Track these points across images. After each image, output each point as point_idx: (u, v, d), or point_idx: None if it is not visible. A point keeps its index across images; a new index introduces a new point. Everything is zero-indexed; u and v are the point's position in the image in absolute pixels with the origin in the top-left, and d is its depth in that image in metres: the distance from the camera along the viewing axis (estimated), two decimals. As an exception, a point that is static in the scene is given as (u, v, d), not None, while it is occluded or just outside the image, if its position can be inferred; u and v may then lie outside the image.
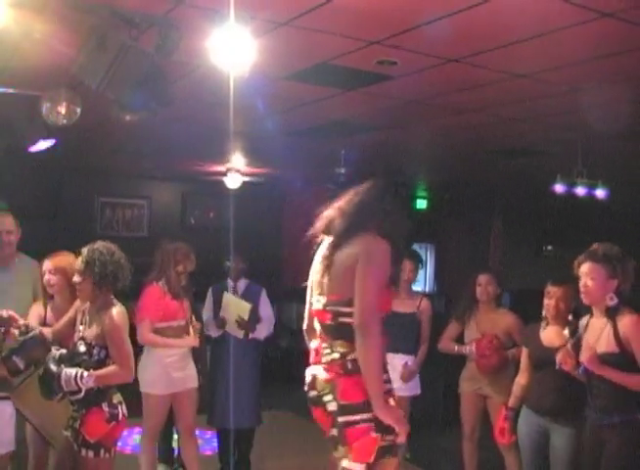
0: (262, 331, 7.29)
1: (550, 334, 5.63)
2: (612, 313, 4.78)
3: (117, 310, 4.91)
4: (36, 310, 5.68)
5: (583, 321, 5.10)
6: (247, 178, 12.92)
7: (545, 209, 15.21)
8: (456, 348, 6.82)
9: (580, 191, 9.76)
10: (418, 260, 7.37)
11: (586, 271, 4.85)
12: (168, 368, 6.41)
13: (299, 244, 7.11)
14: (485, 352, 6.54)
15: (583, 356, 4.80)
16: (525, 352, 5.85)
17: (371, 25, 5.00)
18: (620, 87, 6.43)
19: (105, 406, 4.84)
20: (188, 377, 6.55)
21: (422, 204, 16.11)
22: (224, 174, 12.51)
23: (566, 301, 5.67)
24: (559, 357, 5.04)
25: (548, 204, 12.19)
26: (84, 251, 4.98)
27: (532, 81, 6.34)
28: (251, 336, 7.20)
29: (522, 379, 5.83)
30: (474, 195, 15.34)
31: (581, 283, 4.88)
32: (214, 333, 7.43)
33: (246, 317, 7.12)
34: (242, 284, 7.53)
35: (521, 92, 6.78)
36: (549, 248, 18.54)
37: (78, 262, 4.98)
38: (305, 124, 8.48)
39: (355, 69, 6.11)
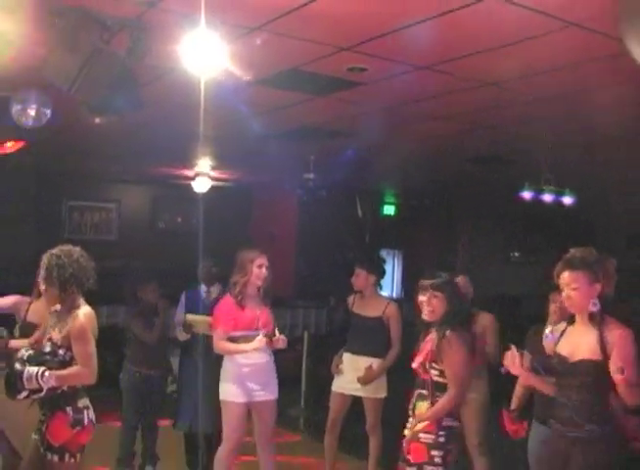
0: None
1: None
2: (597, 321, 4.55)
3: (83, 312, 4.89)
4: (38, 309, 5.68)
5: (560, 327, 4.93)
6: (215, 183, 12.91)
7: (513, 215, 15.33)
8: None
9: (547, 198, 9.87)
10: (373, 268, 7.32)
11: (567, 281, 4.61)
12: (245, 377, 6.37)
13: (268, 248, 7.18)
14: None
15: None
16: (528, 357, 5.69)
17: (341, 32, 5.05)
18: (586, 96, 6.51)
19: (69, 411, 4.80)
20: (267, 388, 6.48)
21: (389, 210, 16.18)
22: (193, 179, 12.50)
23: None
24: (505, 360, 4.88)
25: (516, 210, 12.30)
26: (43, 257, 4.96)
27: (501, 90, 6.41)
28: None
29: (522, 387, 5.78)
30: (442, 201, 15.42)
31: (564, 294, 4.64)
32: (181, 337, 7.42)
33: None
34: (215, 288, 7.50)
35: (489, 100, 6.84)
36: (516, 254, 18.65)
37: (41, 270, 4.97)
38: (275, 129, 8.50)
39: (326, 75, 6.15)
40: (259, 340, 6.17)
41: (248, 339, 6.30)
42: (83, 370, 4.81)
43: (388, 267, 7.90)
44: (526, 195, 9.83)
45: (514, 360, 4.81)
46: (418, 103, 7.08)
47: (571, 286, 4.57)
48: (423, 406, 5.20)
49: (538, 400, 5.26)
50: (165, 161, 11.65)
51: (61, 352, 4.84)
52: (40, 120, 6.03)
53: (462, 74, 6.01)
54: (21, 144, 6.55)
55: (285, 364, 6.74)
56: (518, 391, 5.84)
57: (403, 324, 7.22)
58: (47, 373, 4.68)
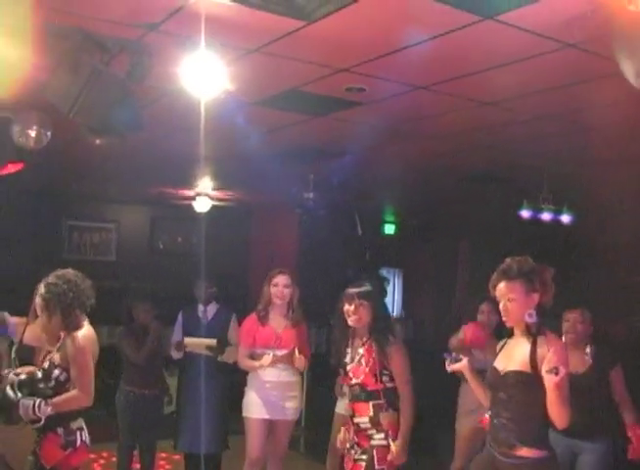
0: (231, 355, 7.24)
1: (572, 360, 5.51)
2: (532, 333, 4.41)
3: (83, 333, 4.90)
4: (35, 331, 5.64)
5: (501, 343, 4.80)
6: (216, 202, 12.94)
7: (512, 234, 15.34)
8: None
9: (546, 217, 9.88)
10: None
11: (504, 291, 4.47)
12: (265, 394, 6.40)
13: (267, 268, 7.20)
14: None
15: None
16: None
17: (339, 54, 5.08)
18: (583, 115, 6.54)
19: (60, 432, 4.79)
20: (287, 407, 6.50)
21: (390, 229, 16.20)
22: (193, 198, 12.53)
23: (584, 322, 5.84)
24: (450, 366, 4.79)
25: (515, 229, 12.31)
26: (41, 288, 4.93)
27: (499, 109, 6.44)
28: (219, 358, 7.19)
29: None
30: (441, 220, 15.43)
31: (501, 305, 4.49)
32: (175, 355, 7.49)
33: (214, 344, 7.22)
34: (212, 308, 7.56)
35: (487, 119, 6.89)
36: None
37: (38, 300, 4.94)
38: (275, 149, 8.52)
39: (324, 95, 6.18)
40: (266, 358, 6.25)
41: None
42: (80, 394, 4.80)
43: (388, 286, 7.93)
44: (525, 213, 9.85)
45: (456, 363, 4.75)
46: (416, 122, 7.11)
47: (508, 296, 4.44)
48: (389, 415, 5.35)
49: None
50: (165, 181, 11.67)
51: (56, 371, 4.83)
52: (41, 142, 6.05)
53: (459, 94, 6.04)
54: (21, 165, 6.56)
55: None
56: None
57: (404, 343, 7.23)
58: (43, 404, 4.67)
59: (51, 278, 4.96)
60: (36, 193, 12.94)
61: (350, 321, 5.44)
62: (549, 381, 4.06)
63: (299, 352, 6.42)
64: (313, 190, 10.54)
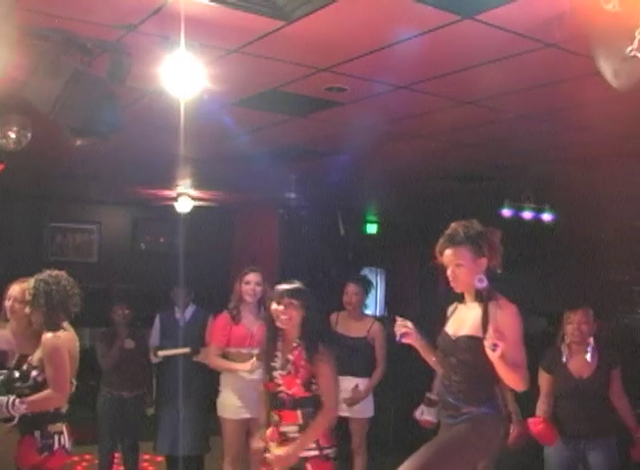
0: (207, 355, 7.14)
1: (577, 364, 5.68)
2: (483, 298, 4.29)
3: (60, 335, 4.88)
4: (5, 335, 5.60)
5: (452, 307, 4.67)
6: (197, 203, 12.91)
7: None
8: None
9: (527, 215, 9.93)
10: (364, 284, 7.38)
11: (451, 258, 4.34)
12: (240, 393, 6.38)
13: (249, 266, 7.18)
14: None
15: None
16: (547, 379, 5.85)
17: (319, 53, 5.09)
18: (565, 114, 6.57)
19: (37, 435, 4.76)
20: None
21: (372, 228, 16.19)
22: (175, 199, 12.50)
23: (587, 323, 5.70)
24: (397, 330, 4.54)
25: (498, 227, 12.35)
26: (31, 282, 4.94)
27: (480, 108, 6.46)
28: (195, 358, 7.19)
29: (544, 405, 5.82)
30: (424, 219, 15.45)
31: (448, 272, 4.36)
32: (154, 360, 7.52)
33: (188, 351, 7.28)
34: (189, 311, 7.54)
35: (469, 118, 6.90)
36: (498, 271, 18.67)
37: (27, 294, 4.95)
38: (256, 150, 8.51)
39: (305, 95, 6.19)
40: (251, 363, 6.19)
41: (240, 355, 6.35)
42: (54, 394, 4.78)
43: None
44: (507, 212, 9.89)
45: (406, 327, 4.51)
46: (397, 122, 7.12)
47: (455, 262, 4.32)
48: None
49: None
50: (147, 182, 11.63)
51: (34, 373, 4.82)
52: (21, 143, 6.03)
53: (440, 93, 6.05)
54: (1, 167, 6.53)
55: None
56: (541, 415, 5.83)
57: (388, 342, 7.24)
58: (17, 402, 4.65)
59: (44, 276, 4.97)
60: (18, 194, 12.88)
61: (279, 322, 5.01)
62: (491, 356, 4.01)
63: None
64: (295, 190, 10.55)
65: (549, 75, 5.48)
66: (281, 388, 4.98)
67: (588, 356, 5.67)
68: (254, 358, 6.21)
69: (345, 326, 7.18)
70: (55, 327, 4.90)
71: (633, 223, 15.38)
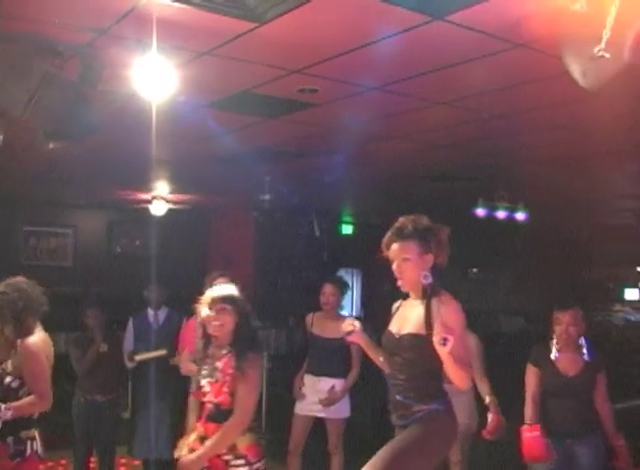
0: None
1: (565, 362, 5.60)
2: (427, 295, 4.18)
3: (35, 339, 4.85)
4: None
5: (396, 304, 4.55)
6: (172, 205, 12.89)
7: (470, 232, 15.47)
8: None
9: (501, 214, 9.99)
10: (340, 285, 7.38)
11: (397, 252, 4.22)
12: None
13: (225, 270, 7.17)
14: None
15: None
16: (534, 372, 5.74)
17: (291, 55, 5.10)
18: (538, 113, 6.61)
19: (10, 441, 4.72)
20: None
21: (347, 229, 16.22)
22: (149, 202, 12.47)
23: (575, 324, 5.58)
24: (345, 327, 4.42)
25: (473, 227, 12.41)
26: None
27: (453, 108, 6.49)
28: (171, 362, 7.15)
29: (530, 409, 5.69)
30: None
31: (394, 266, 4.24)
32: (129, 365, 7.46)
33: (164, 354, 7.19)
34: (162, 313, 7.50)
35: (443, 119, 6.93)
36: (474, 271, 18.78)
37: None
38: (229, 152, 8.51)
39: (277, 97, 6.20)
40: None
41: None
42: (37, 400, 4.76)
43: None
44: (480, 212, 9.95)
45: (352, 325, 4.40)
46: (371, 123, 7.14)
47: (402, 257, 4.20)
48: (247, 438, 4.66)
49: None
50: (121, 185, 11.61)
51: (8, 379, 4.78)
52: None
53: (414, 94, 6.07)
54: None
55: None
56: (529, 412, 5.70)
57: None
58: (3, 408, 4.63)
59: (1, 287, 4.92)
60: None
61: (211, 329, 4.70)
62: (440, 351, 3.92)
63: None
64: (269, 192, 10.55)
65: (520, 75, 5.51)
66: (208, 397, 4.68)
67: (579, 357, 5.60)
68: None
69: (321, 327, 7.19)
70: (28, 332, 4.87)
71: (607, 222, 15.54)
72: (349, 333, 4.42)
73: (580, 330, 5.63)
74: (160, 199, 12.28)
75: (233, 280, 6.54)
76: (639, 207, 13.57)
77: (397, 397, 4.25)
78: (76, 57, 4.39)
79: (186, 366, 6.49)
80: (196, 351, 6.38)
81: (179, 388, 7.37)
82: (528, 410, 5.69)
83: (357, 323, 4.44)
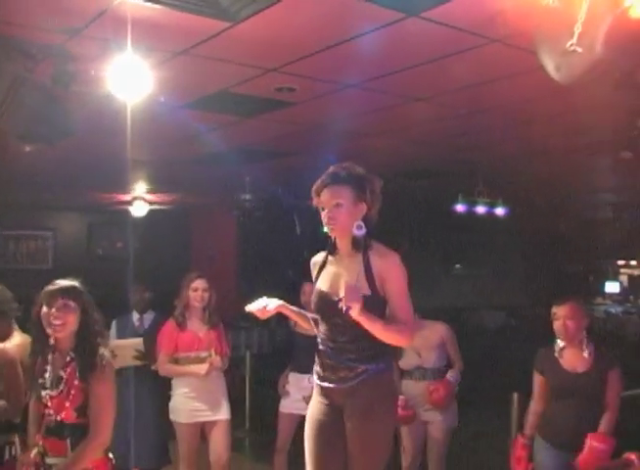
0: None
1: (570, 358, 5.12)
2: (361, 247, 3.87)
3: (12, 344, 4.82)
4: None
5: (317, 259, 4.25)
6: (153, 206, 12.86)
7: (452, 228, 15.52)
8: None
9: (480, 210, 10.01)
10: None
11: (329, 197, 3.90)
12: (186, 398, 6.32)
13: (208, 269, 7.15)
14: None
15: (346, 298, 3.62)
16: (540, 379, 5.28)
17: (266, 54, 5.09)
18: (516, 108, 6.63)
19: None
20: (214, 408, 6.40)
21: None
22: (130, 203, 12.44)
23: (574, 318, 5.08)
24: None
25: (455, 223, 12.45)
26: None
27: (430, 105, 6.50)
28: (153, 367, 6.73)
29: (537, 407, 5.29)
30: (380, 217, 15.50)
31: (324, 214, 3.92)
32: None
33: (142, 348, 6.82)
34: (148, 317, 7.27)
35: (419, 115, 6.93)
36: (457, 266, 18.82)
37: None
38: (208, 151, 8.50)
39: (255, 96, 6.19)
40: (209, 362, 6.19)
41: (189, 359, 6.32)
42: (7, 405, 4.72)
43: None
44: (460, 207, 9.97)
45: (264, 305, 4.08)
46: (349, 120, 7.15)
47: (335, 202, 3.86)
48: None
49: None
50: (100, 186, 11.57)
51: None
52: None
53: (390, 91, 6.08)
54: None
55: (228, 385, 6.65)
56: (532, 419, 5.35)
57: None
58: None
59: None
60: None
61: (51, 329, 4.00)
62: (355, 317, 3.62)
63: (218, 353, 6.39)
64: (250, 191, 10.54)
65: (496, 71, 5.52)
66: (49, 411, 4.02)
67: (585, 353, 5.08)
68: (210, 359, 6.21)
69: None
70: (3, 336, 4.84)
71: (587, 216, 15.61)
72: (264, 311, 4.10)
73: (581, 325, 5.14)
74: (141, 200, 12.25)
75: (211, 281, 6.54)
76: (618, 200, 13.66)
77: (337, 360, 3.92)
78: (49, 59, 4.37)
79: (166, 368, 6.43)
80: (169, 353, 6.38)
81: (160, 391, 7.15)
82: (529, 420, 5.36)
83: (263, 300, 4.13)
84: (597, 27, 3.01)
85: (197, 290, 6.41)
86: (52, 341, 4.00)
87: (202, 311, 6.47)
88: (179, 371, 6.36)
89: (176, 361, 6.37)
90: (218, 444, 6.40)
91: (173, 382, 6.46)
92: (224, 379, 6.57)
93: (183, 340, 6.36)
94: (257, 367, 10.46)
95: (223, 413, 6.41)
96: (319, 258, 4.20)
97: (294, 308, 4.26)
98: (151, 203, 12.63)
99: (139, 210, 12.44)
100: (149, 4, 4.10)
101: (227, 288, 14.39)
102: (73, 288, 4.11)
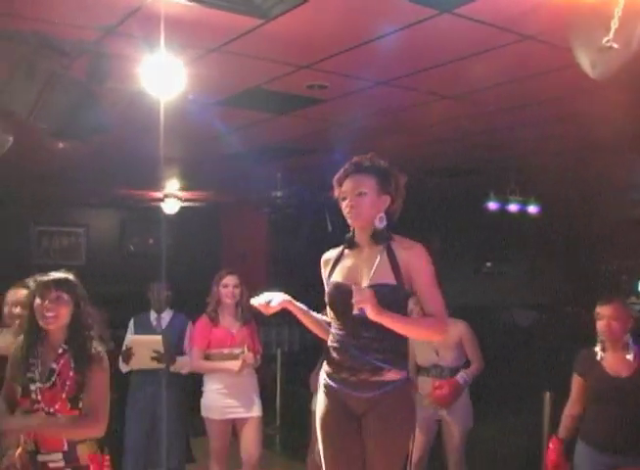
0: (184, 365, 6.71)
1: (613, 361, 4.87)
2: (382, 239, 3.75)
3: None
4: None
5: (330, 255, 4.07)
6: (185, 203, 12.91)
7: (483, 226, 15.45)
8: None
9: (513, 208, 9.95)
10: None
11: (352, 185, 3.76)
12: (218, 394, 6.34)
13: (239, 267, 7.17)
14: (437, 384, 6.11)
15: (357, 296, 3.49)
16: (579, 381, 5.05)
17: (299, 51, 5.10)
18: (547, 106, 6.59)
19: None
20: (249, 404, 6.42)
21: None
22: (162, 200, 12.49)
23: (618, 319, 4.84)
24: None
25: (486, 222, 12.39)
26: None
27: (461, 102, 6.48)
28: (171, 369, 6.66)
29: (573, 410, 5.09)
30: (409, 215, 15.47)
31: (347, 201, 3.78)
32: (123, 368, 6.77)
33: (161, 349, 6.48)
34: (166, 315, 7.14)
35: (450, 113, 6.92)
36: (488, 264, 18.72)
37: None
38: (240, 148, 8.51)
39: (287, 93, 6.20)
40: (243, 359, 6.19)
41: (222, 356, 6.33)
42: None
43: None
44: (492, 205, 9.92)
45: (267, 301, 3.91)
46: (379, 118, 7.14)
47: (358, 190, 3.73)
48: (89, 446, 4.01)
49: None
50: (133, 183, 11.62)
51: None
52: (3, 147, 6.00)
53: (421, 88, 6.07)
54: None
55: (260, 383, 6.66)
56: (567, 421, 5.16)
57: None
58: None
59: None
60: (3, 198, 12.84)
61: (44, 321, 3.94)
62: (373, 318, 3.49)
63: (251, 350, 6.39)
64: (281, 188, 10.55)
65: (527, 68, 5.49)
66: (39, 405, 3.91)
67: (629, 356, 4.83)
68: (243, 356, 6.22)
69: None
70: None
71: (620, 214, 15.48)
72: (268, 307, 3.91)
73: (626, 326, 4.90)
74: (173, 197, 12.30)
75: (239, 276, 6.54)
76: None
77: (360, 359, 3.68)
78: (84, 55, 4.40)
79: (199, 363, 6.42)
80: (202, 348, 6.39)
81: (180, 394, 6.99)
82: (564, 422, 5.17)
83: (268, 295, 3.95)
84: (634, 23, 2.99)
85: (227, 286, 6.42)
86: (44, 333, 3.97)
87: (234, 308, 6.48)
88: (213, 367, 6.36)
89: (208, 357, 6.37)
90: (249, 441, 6.42)
91: (205, 378, 6.46)
92: (256, 376, 6.58)
93: (216, 336, 6.37)
94: (288, 365, 10.48)
95: (255, 410, 6.42)
96: (332, 254, 4.03)
97: (301, 306, 4.04)
98: (182, 200, 12.68)
99: (171, 207, 12.49)
100: (182, 1, 4.13)
101: (258, 286, 14.40)
102: (67, 280, 4.08)
